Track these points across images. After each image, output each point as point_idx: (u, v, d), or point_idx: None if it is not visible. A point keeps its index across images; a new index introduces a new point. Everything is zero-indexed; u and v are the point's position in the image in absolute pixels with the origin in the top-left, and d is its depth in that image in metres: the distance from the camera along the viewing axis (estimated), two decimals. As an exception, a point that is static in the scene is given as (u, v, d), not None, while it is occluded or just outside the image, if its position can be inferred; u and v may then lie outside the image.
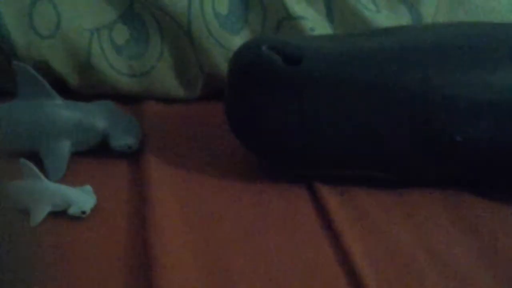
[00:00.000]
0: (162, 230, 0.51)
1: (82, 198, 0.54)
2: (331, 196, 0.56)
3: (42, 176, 0.55)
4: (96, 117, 0.62)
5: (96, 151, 0.63)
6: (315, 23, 0.73)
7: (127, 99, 0.75)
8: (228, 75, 0.58)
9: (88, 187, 0.56)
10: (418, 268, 0.48)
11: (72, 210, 0.53)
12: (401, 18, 0.73)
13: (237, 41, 0.72)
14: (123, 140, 0.61)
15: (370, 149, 0.55)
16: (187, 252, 0.49)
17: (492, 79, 0.53)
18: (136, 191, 0.57)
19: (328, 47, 0.56)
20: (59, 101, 0.62)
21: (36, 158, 0.59)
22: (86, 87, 0.75)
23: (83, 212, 0.53)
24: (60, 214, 0.53)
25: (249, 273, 0.48)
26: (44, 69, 0.71)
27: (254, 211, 0.55)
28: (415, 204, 0.56)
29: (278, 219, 0.54)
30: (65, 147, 0.61)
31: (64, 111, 0.61)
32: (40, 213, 0.53)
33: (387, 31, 0.60)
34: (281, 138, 0.56)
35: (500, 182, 0.58)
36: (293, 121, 0.55)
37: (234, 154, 0.63)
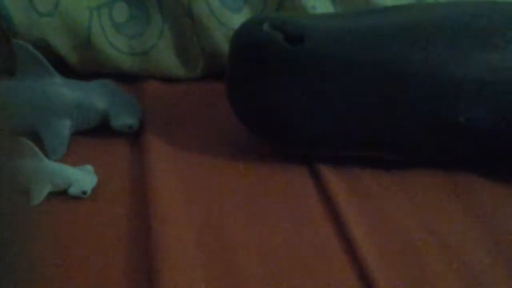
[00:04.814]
0: (163, 210, 0.51)
1: (83, 177, 0.54)
2: (333, 176, 0.56)
3: (42, 156, 0.54)
4: (96, 97, 0.62)
5: (96, 130, 0.62)
6: (317, 1, 0.72)
7: (127, 78, 0.74)
8: (229, 54, 0.58)
9: (89, 167, 0.56)
10: (419, 249, 0.48)
11: (72, 190, 0.53)
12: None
13: (238, 19, 0.71)
14: (123, 120, 0.61)
15: (372, 129, 0.55)
16: (188, 232, 0.49)
17: (495, 59, 0.53)
18: (137, 171, 0.57)
19: (330, 25, 0.55)
20: (59, 80, 0.61)
21: (36, 137, 0.58)
22: (86, 66, 0.74)
23: (84, 192, 0.53)
24: (60, 194, 0.53)
25: (251, 250, 0.48)
26: (44, 48, 0.71)
27: (255, 190, 0.55)
28: (417, 185, 0.56)
29: (279, 199, 0.54)
30: (65, 126, 0.60)
31: (64, 90, 0.61)
32: (40, 193, 0.52)
33: (389, 9, 0.59)
34: (283, 117, 0.55)
35: (502, 164, 0.57)
36: (295, 101, 0.54)
37: (235, 133, 0.63)
